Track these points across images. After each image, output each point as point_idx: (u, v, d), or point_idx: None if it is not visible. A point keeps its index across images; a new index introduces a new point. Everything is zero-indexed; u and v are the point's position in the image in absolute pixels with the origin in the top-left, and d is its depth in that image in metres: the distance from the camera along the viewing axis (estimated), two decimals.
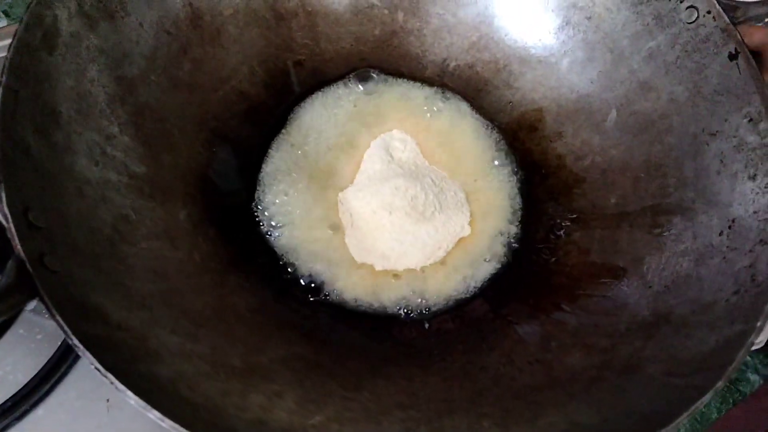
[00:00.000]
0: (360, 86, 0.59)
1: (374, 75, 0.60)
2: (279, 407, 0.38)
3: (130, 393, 0.31)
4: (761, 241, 0.41)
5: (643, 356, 0.41)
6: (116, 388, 0.31)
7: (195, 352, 0.39)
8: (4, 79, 0.37)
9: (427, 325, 0.50)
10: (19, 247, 0.33)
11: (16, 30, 0.39)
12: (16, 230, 0.34)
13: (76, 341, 0.32)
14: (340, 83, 0.59)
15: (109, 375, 0.31)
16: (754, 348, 0.61)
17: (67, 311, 0.33)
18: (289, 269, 0.51)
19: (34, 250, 0.34)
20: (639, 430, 0.35)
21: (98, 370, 0.31)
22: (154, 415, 0.31)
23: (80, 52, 0.44)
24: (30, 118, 0.39)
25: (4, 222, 0.34)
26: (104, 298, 0.37)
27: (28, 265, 0.33)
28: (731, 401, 0.68)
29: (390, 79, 0.60)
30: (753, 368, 0.70)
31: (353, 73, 0.60)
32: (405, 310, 0.51)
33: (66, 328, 0.32)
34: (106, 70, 0.45)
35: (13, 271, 0.33)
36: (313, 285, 0.51)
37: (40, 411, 0.50)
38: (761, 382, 0.69)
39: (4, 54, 0.66)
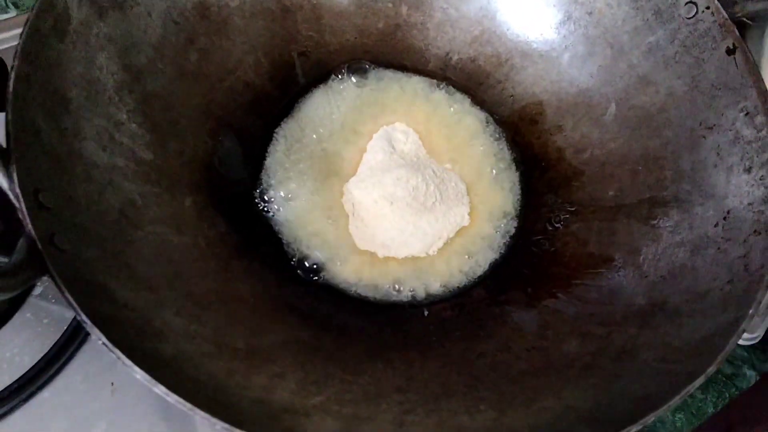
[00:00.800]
0: (362, 78, 0.60)
1: (371, 67, 0.61)
2: (281, 388, 0.39)
3: (136, 368, 0.32)
4: (755, 231, 0.42)
5: (638, 343, 0.42)
6: (123, 363, 0.32)
7: (199, 333, 0.40)
8: (16, 63, 0.38)
9: (426, 312, 0.51)
10: (30, 226, 0.34)
11: (28, 16, 0.40)
12: (28, 210, 0.35)
13: (84, 317, 0.33)
14: (344, 75, 0.60)
15: (116, 350, 0.32)
16: (750, 343, 0.62)
17: (76, 289, 0.34)
18: (292, 256, 0.52)
19: (45, 229, 0.35)
20: (631, 412, 0.36)
21: (105, 345, 0.32)
22: (160, 389, 0.32)
23: (90, 39, 0.45)
24: (41, 102, 0.40)
25: (15, 202, 0.35)
26: (111, 278, 0.38)
27: (38, 244, 0.34)
28: (727, 396, 0.69)
29: (392, 71, 0.61)
30: (749, 363, 0.71)
31: (350, 65, 0.61)
32: (405, 297, 0.51)
33: (75, 304, 0.33)
34: (114, 58, 0.46)
35: (24, 248, 0.34)
36: (315, 270, 0.52)
37: (45, 393, 0.51)
38: (757, 377, 0.69)
39: (13, 44, 0.68)
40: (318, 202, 0.54)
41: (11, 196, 0.35)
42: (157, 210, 0.46)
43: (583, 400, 0.39)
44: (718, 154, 0.47)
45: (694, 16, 0.49)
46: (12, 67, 0.38)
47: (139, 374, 0.32)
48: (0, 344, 0.52)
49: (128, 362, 0.32)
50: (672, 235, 0.47)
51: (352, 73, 0.60)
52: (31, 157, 0.37)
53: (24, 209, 0.34)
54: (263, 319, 0.45)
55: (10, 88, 0.38)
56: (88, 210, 0.40)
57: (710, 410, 0.66)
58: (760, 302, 0.38)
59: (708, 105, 0.48)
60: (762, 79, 0.45)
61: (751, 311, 0.38)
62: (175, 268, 0.44)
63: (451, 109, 0.60)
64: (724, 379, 0.67)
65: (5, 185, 0.35)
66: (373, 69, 0.61)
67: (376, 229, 0.53)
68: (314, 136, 0.57)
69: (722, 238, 0.44)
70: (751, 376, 0.70)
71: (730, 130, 0.47)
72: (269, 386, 0.39)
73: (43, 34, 0.41)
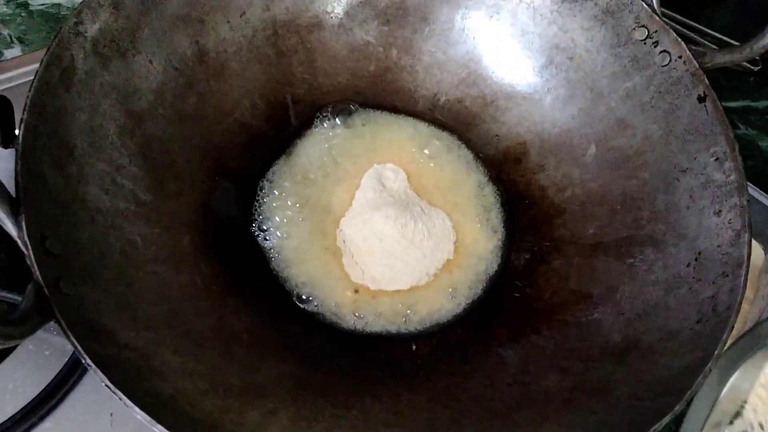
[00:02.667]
0: (352, 119, 0.63)
1: (356, 109, 0.63)
2: (273, 423, 0.41)
3: (137, 409, 0.34)
4: (723, 273, 0.44)
5: (613, 380, 0.44)
6: (125, 404, 0.34)
7: (196, 371, 0.42)
8: (25, 116, 0.41)
9: (414, 347, 0.53)
10: (38, 273, 0.36)
11: (37, 70, 0.43)
12: (35, 258, 0.37)
13: (89, 360, 0.35)
14: (332, 117, 0.62)
15: (118, 392, 0.34)
16: None
17: (80, 332, 0.36)
18: (286, 292, 0.54)
19: (51, 275, 0.37)
20: None
21: (108, 387, 0.34)
22: (159, 429, 0.34)
23: (94, 88, 0.47)
24: (47, 151, 0.42)
25: (24, 249, 0.37)
26: (113, 320, 0.40)
27: (45, 290, 0.36)
28: None
29: (381, 112, 0.63)
30: None
31: (340, 107, 0.63)
32: (394, 332, 0.53)
33: (80, 348, 0.35)
34: (117, 104, 0.49)
35: (33, 294, 0.36)
36: (308, 305, 0.54)
37: (47, 424, 0.52)
38: None
39: (18, 83, 0.70)
40: (311, 240, 0.56)
41: (20, 244, 0.37)
42: (156, 250, 0.48)
43: None
44: (690, 196, 0.49)
45: (668, 64, 0.52)
46: (21, 120, 0.40)
47: (140, 415, 0.34)
48: (2, 376, 0.54)
49: (129, 403, 0.34)
50: (647, 274, 0.49)
51: (339, 115, 0.63)
52: (38, 205, 0.40)
53: (32, 257, 0.37)
54: (257, 356, 0.47)
55: (20, 140, 0.40)
56: (92, 253, 0.42)
57: None
58: (725, 342, 0.40)
59: (681, 149, 0.51)
60: (729, 127, 0.48)
61: (717, 351, 0.40)
62: (173, 307, 0.46)
63: (439, 149, 0.62)
64: None
65: (14, 233, 0.37)
66: (362, 110, 0.63)
67: (367, 265, 0.55)
68: (308, 175, 0.59)
69: (693, 278, 0.46)
70: None
71: (702, 174, 0.49)
72: (262, 423, 0.41)
73: (51, 86, 0.43)
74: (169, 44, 0.53)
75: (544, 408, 0.44)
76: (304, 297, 0.54)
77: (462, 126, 0.63)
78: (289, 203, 0.57)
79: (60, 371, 0.54)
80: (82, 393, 0.54)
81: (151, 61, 0.52)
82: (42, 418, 0.52)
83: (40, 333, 0.56)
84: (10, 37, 0.80)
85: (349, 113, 0.62)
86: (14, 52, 0.78)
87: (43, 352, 0.55)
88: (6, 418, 0.51)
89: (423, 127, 0.63)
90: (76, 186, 0.44)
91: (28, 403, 0.52)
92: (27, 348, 0.56)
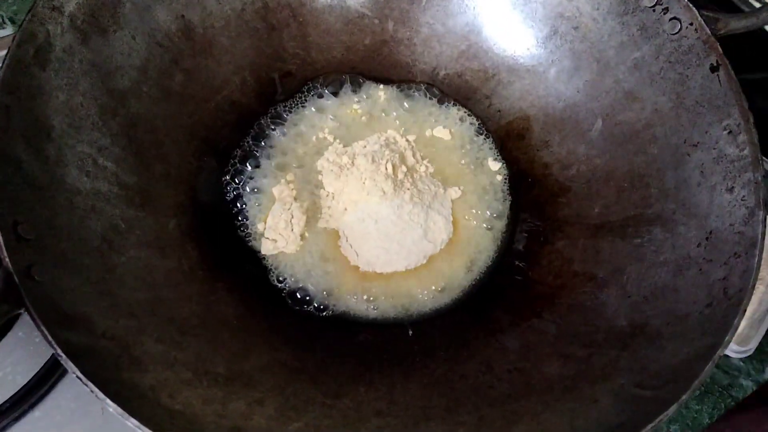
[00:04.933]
0: (352, 92, 0.60)
1: (365, 81, 0.61)
2: (259, 414, 0.39)
3: (108, 401, 0.33)
4: (735, 254, 0.42)
5: (618, 366, 0.42)
6: (96, 396, 0.33)
7: (179, 360, 0.40)
8: None
9: (410, 332, 0.51)
10: (7, 259, 0.35)
11: (8, 47, 0.41)
12: (5, 244, 0.35)
13: (58, 350, 0.33)
14: (332, 91, 0.60)
15: (90, 384, 0.33)
16: (744, 355, 0.62)
17: (52, 320, 0.35)
18: (274, 276, 0.52)
19: (22, 262, 0.36)
20: None
21: (79, 378, 0.33)
22: (132, 423, 0.32)
23: (73, 66, 0.45)
24: (22, 133, 0.40)
25: None
26: (91, 308, 0.38)
27: (15, 277, 0.34)
28: (723, 406, 0.68)
29: (380, 85, 0.61)
30: (746, 373, 0.70)
31: (344, 80, 0.61)
32: (389, 316, 0.52)
33: (49, 337, 0.33)
34: (98, 83, 0.47)
35: (1, 282, 0.34)
36: (298, 291, 0.52)
37: (37, 412, 0.52)
38: (754, 387, 0.69)
39: None
40: (302, 221, 0.54)
41: None
42: (140, 234, 0.46)
43: (561, 426, 0.39)
44: (701, 172, 0.47)
45: (678, 32, 0.49)
46: None
47: (112, 407, 0.33)
48: None
49: (101, 395, 0.33)
50: (655, 255, 0.47)
51: (349, 87, 0.60)
52: (12, 189, 0.38)
53: (1, 243, 0.35)
54: (246, 342, 0.46)
55: None
56: (70, 238, 0.41)
57: (706, 421, 0.65)
58: (736, 329, 0.38)
59: (692, 122, 0.48)
60: (744, 98, 0.45)
61: (727, 338, 0.37)
62: (158, 293, 0.44)
63: (441, 122, 0.60)
64: (720, 389, 0.66)
65: None
66: (368, 82, 0.61)
67: (362, 247, 0.53)
68: (300, 152, 0.57)
69: (704, 258, 0.44)
70: (747, 386, 0.69)
71: (714, 149, 0.46)
72: (247, 413, 0.39)
73: (25, 64, 0.42)
74: (152, 19, 0.51)
75: (544, 396, 0.42)
76: (293, 280, 0.52)
77: (462, 101, 0.61)
78: (282, 184, 0.55)
79: (50, 358, 0.52)
80: (73, 381, 0.52)
81: (134, 37, 0.50)
82: (32, 407, 0.52)
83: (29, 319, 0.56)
84: (2, 18, 0.79)
85: (341, 85, 0.60)
86: (6, 32, 0.77)
87: (34, 339, 0.54)
88: None
89: (424, 100, 0.61)
90: (54, 168, 0.42)
91: (17, 392, 0.51)
92: (17, 335, 0.54)
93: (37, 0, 0.43)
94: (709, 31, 0.47)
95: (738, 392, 0.69)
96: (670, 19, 0.49)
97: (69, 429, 0.51)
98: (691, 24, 0.48)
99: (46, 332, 0.33)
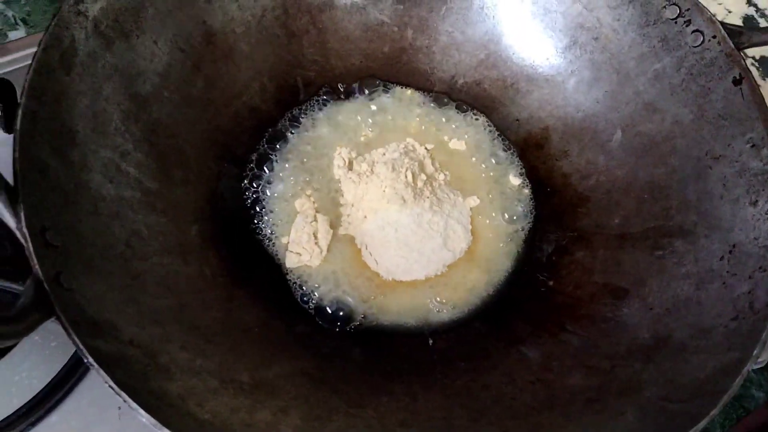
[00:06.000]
0: (368, 100, 0.60)
1: (383, 88, 0.61)
2: (285, 424, 0.39)
3: (141, 411, 0.32)
4: (760, 267, 0.42)
5: (642, 379, 0.42)
6: (129, 406, 0.32)
7: (204, 368, 0.40)
8: (23, 101, 0.39)
9: (431, 342, 0.51)
10: (37, 267, 0.34)
11: (35, 52, 0.41)
12: (34, 250, 0.35)
13: (91, 360, 0.33)
14: (350, 98, 0.60)
15: (122, 393, 0.32)
16: (757, 366, 0.62)
17: (82, 329, 0.34)
18: (295, 283, 0.52)
19: (51, 269, 0.35)
20: None
21: (112, 388, 0.32)
22: None
23: (96, 71, 0.45)
24: (47, 138, 0.40)
25: (23, 242, 0.35)
26: (117, 315, 0.38)
27: (45, 285, 0.34)
28: (735, 417, 0.68)
29: (399, 92, 0.61)
30: (757, 384, 0.70)
31: (362, 87, 0.61)
32: (409, 326, 0.51)
33: (81, 346, 0.33)
34: (120, 88, 0.47)
35: (32, 290, 0.34)
36: (320, 301, 0.52)
37: (53, 417, 0.51)
38: (765, 398, 0.69)
39: (22, 65, 0.68)
40: (321, 229, 0.54)
41: (18, 236, 0.35)
42: (162, 240, 0.46)
43: None
44: (724, 185, 0.47)
45: (700, 44, 0.49)
46: (19, 105, 0.38)
47: (145, 417, 0.32)
48: (9, 367, 0.52)
49: (134, 405, 0.33)
50: (677, 267, 0.47)
51: (368, 95, 0.60)
52: (38, 195, 0.38)
53: (31, 250, 0.35)
54: (268, 350, 0.45)
55: (17, 126, 0.38)
56: (95, 245, 0.40)
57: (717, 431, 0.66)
58: (765, 343, 0.38)
59: (714, 135, 0.48)
60: None
61: (755, 352, 0.37)
62: (181, 300, 0.44)
63: (460, 131, 0.60)
64: (731, 400, 0.66)
65: (13, 225, 0.36)
66: (388, 89, 0.61)
67: (381, 255, 0.53)
68: (320, 159, 0.57)
69: (727, 272, 0.44)
70: (758, 397, 0.69)
71: (737, 162, 0.46)
72: (273, 422, 0.39)
73: (51, 69, 0.41)
74: (174, 24, 0.51)
75: (568, 408, 0.42)
76: (310, 288, 0.52)
77: (481, 109, 0.61)
78: (301, 190, 0.55)
79: (66, 363, 0.52)
80: (89, 386, 0.53)
81: (155, 42, 0.50)
82: (48, 412, 0.51)
83: (46, 323, 0.56)
84: (15, 19, 0.78)
85: (359, 92, 0.60)
86: (18, 33, 0.76)
87: (50, 344, 0.54)
88: (11, 412, 0.50)
89: (445, 108, 0.61)
90: (79, 174, 0.42)
91: (34, 396, 0.51)
92: (33, 339, 0.54)
93: (62, 4, 0.43)
94: (732, 45, 0.47)
95: (749, 403, 0.69)
96: (693, 32, 0.50)
97: None
98: (714, 37, 0.48)
99: (77, 341, 0.33)
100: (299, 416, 0.40)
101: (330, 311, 0.51)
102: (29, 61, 0.69)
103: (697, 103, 0.50)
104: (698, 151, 0.49)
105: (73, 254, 0.38)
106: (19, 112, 0.38)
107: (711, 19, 0.48)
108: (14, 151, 0.37)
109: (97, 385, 0.53)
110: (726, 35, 0.48)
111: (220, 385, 0.39)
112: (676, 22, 0.51)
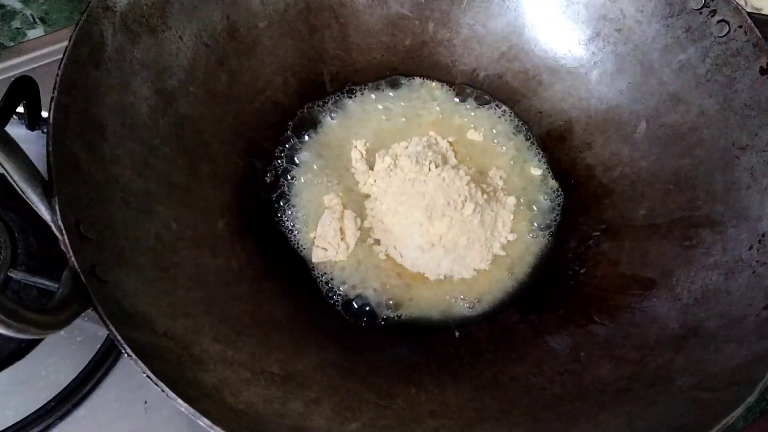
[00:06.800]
0: (391, 93, 0.60)
1: (404, 81, 0.61)
2: (317, 414, 0.39)
3: (180, 401, 0.33)
4: None
5: (672, 369, 0.42)
6: (167, 396, 0.33)
7: (236, 360, 0.40)
8: (55, 95, 0.39)
9: (457, 334, 0.51)
10: (73, 259, 0.35)
11: (66, 47, 0.41)
12: (70, 242, 0.35)
13: (129, 350, 0.33)
14: (372, 91, 0.60)
15: (161, 383, 0.33)
16: None
17: (118, 321, 0.35)
18: (320, 279, 0.52)
19: (87, 261, 0.36)
20: None
21: (150, 378, 0.33)
22: (204, 422, 0.32)
23: (124, 66, 0.45)
24: (79, 132, 0.40)
25: (58, 234, 0.35)
26: (150, 307, 0.38)
27: (82, 277, 0.34)
28: (758, 411, 0.68)
29: (420, 85, 0.61)
30: None
31: (383, 80, 0.61)
32: (436, 319, 0.51)
33: (119, 338, 0.33)
34: (147, 82, 0.47)
35: (69, 282, 0.34)
36: (347, 295, 0.52)
37: (80, 411, 0.52)
38: None
39: (42, 63, 0.69)
40: (346, 221, 0.54)
41: (54, 228, 0.36)
42: (191, 234, 0.46)
43: (619, 427, 0.39)
44: (751, 175, 0.46)
45: (726, 34, 0.49)
46: (51, 99, 0.39)
47: (183, 407, 0.33)
48: (35, 362, 0.53)
49: (172, 395, 0.33)
50: (705, 257, 0.47)
51: (390, 88, 0.60)
52: (72, 188, 0.38)
53: (67, 242, 0.35)
54: (297, 342, 0.46)
55: (51, 120, 0.38)
56: (127, 238, 0.41)
57: (740, 424, 0.65)
58: None
59: (741, 125, 0.48)
60: None
61: None
62: (211, 293, 0.44)
63: (484, 122, 0.60)
64: None
65: (48, 218, 0.36)
66: (409, 82, 0.61)
67: (406, 249, 0.53)
68: (343, 152, 0.57)
69: (757, 261, 0.44)
70: None
71: (765, 151, 0.46)
72: (306, 413, 0.39)
73: (81, 63, 0.42)
74: (199, 19, 0.51)
75: (599, 398, 0.42)
76: (338, 281, 0.52)
77: (503, 102, 0.61)
78: (326, 184, 0.55)
79: (93, 358, 0.53)
80: (116, 380, 0.53)
81: (181, 38, 0.50)
82: (75, 406, 0.52)
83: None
84: (33, 17, 0.79)
85: (381, 85, 0.60)
86: (37, 32, 0.77)
87: (75, 339, 0.54)
88: (39, 406, 0.50)
89: (469, 99, 0.61)
90: (109, 167, 0.42)
91: (61, 391, 0.51)
92: (59, 334, 0.54)
93: (91, 0, 0.43)
94: (759, 34, 0.47)
95: None
96: (718, 22, 0.49)
97: (113, 427, 0.51)
98: (740, 26, 0.48)
99: (115, 332, 0.33)
100: (330, 407, 0.40)
101: (356, 306, 0.51)
102: (48, 59, 0.70)
103: (723, 93, 0.49)
104: (725, 142, 0.49)
105: (107, 247, 0.39)
106: (52, 106, 0.38)
107: (737, 8, 0.48)
108: (48, 144, 0.37)
109: (123, 379, 0.53)
110: (752, 24, 0.47)
111: (252, 376, 0.40)
112: (701, 13, 0.50)
